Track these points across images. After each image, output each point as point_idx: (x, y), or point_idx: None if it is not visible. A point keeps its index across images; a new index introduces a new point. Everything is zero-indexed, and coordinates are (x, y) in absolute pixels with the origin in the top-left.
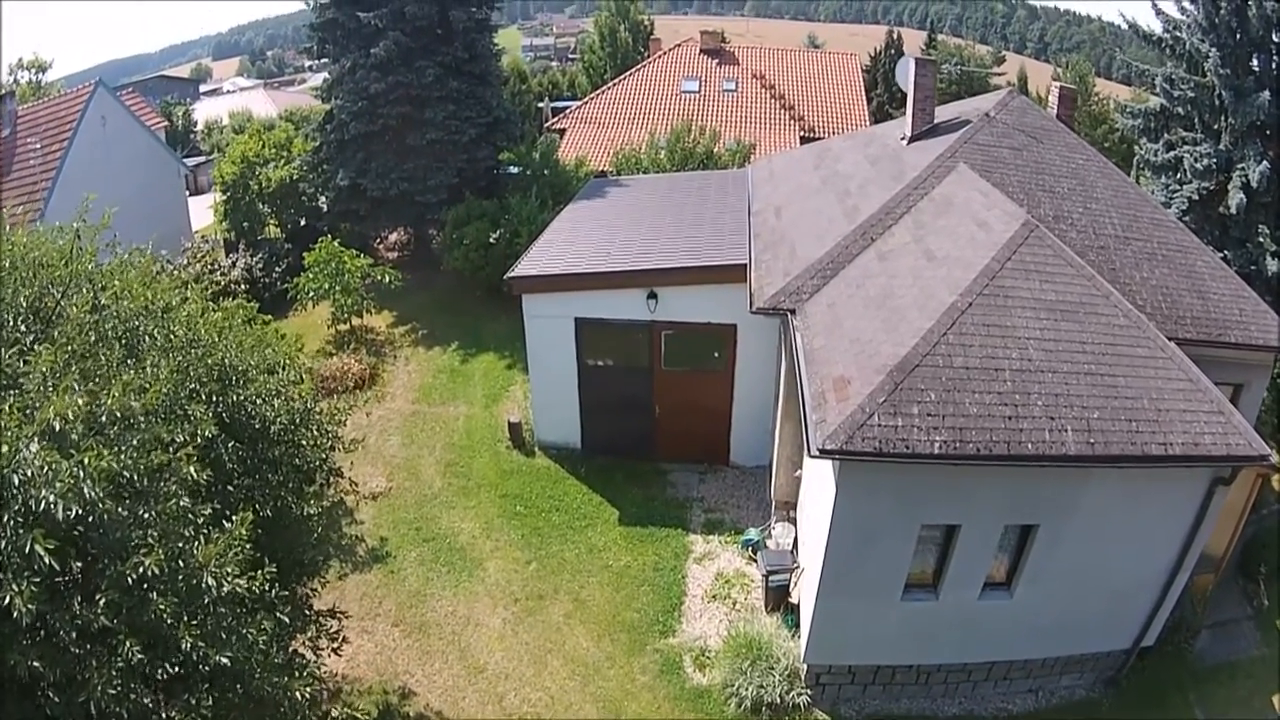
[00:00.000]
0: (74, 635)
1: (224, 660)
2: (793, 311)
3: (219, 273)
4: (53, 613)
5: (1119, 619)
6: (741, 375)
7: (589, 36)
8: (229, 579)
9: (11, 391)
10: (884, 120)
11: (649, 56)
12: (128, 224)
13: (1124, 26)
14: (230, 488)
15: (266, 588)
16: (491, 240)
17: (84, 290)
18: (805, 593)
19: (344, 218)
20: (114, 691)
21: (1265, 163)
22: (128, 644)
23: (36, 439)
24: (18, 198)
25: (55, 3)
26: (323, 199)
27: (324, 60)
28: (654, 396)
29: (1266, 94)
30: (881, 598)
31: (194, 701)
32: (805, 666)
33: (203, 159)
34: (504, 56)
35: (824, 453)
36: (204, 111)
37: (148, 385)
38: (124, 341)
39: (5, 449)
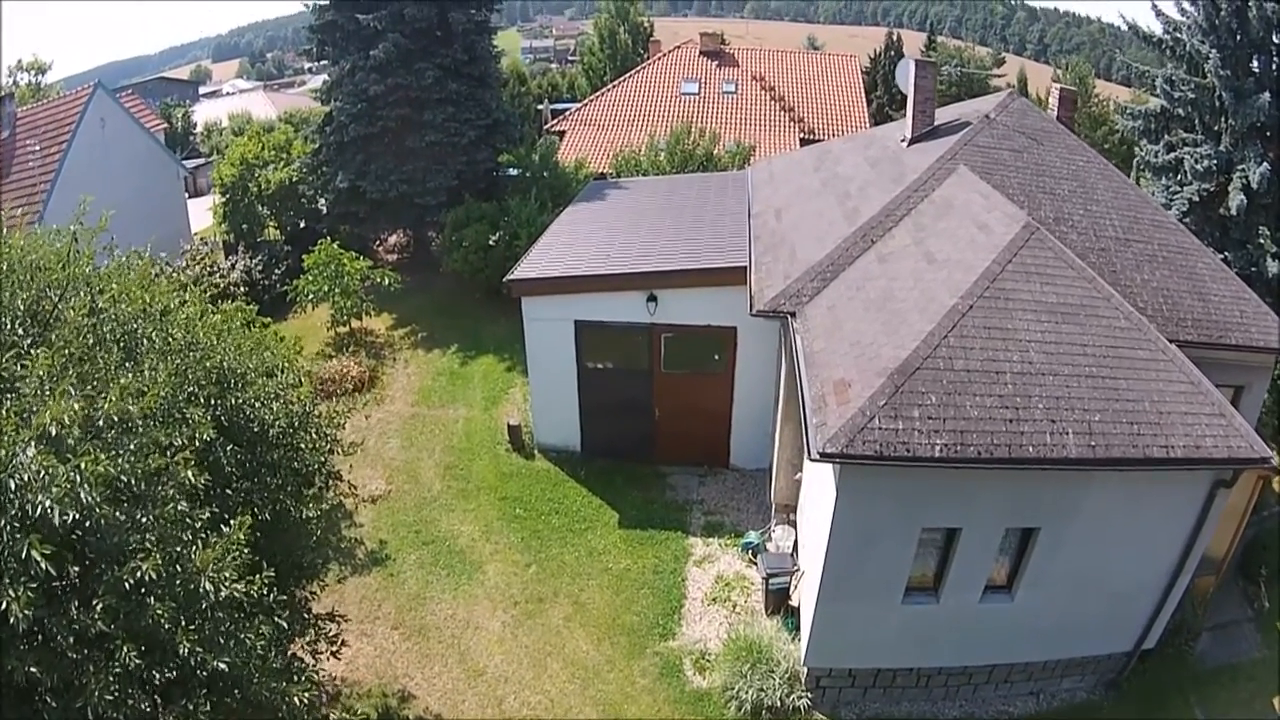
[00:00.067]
0: (71, 640)
1: (222, 665)
2: (793, 314)
3: (218, 275)
4: (50, 617)
5: (1120, 622)
6: (741, 378)
7: (588, 38)
8: (227, 584)
9: (8, 395)
10: (884, 122)
11: (649, 58)
12: (126, 226)
13: (1124, 28)
14: (229, 491)
15: (265, 592)
16: (491, 242)
17: (81, 293)
18: (805, 596)
19: (343, 220)
20: (111, 697)
21: (1265, 164)
22: (125, 649)
23: (33, 443)
24: (17, 200)
25: (55, 3)
26: (322, 201)
27: (323, 62)
28: (654, 399)
29: (1267, 95)
30: (882, 601)
31: (192, 707)
32: (805, 669)
33: (202, 161)
34: (503, 58)
35: (824, 456)
36: (203, 113)
37: (146, 388)
38: (122, 344)
39: (2, 453)
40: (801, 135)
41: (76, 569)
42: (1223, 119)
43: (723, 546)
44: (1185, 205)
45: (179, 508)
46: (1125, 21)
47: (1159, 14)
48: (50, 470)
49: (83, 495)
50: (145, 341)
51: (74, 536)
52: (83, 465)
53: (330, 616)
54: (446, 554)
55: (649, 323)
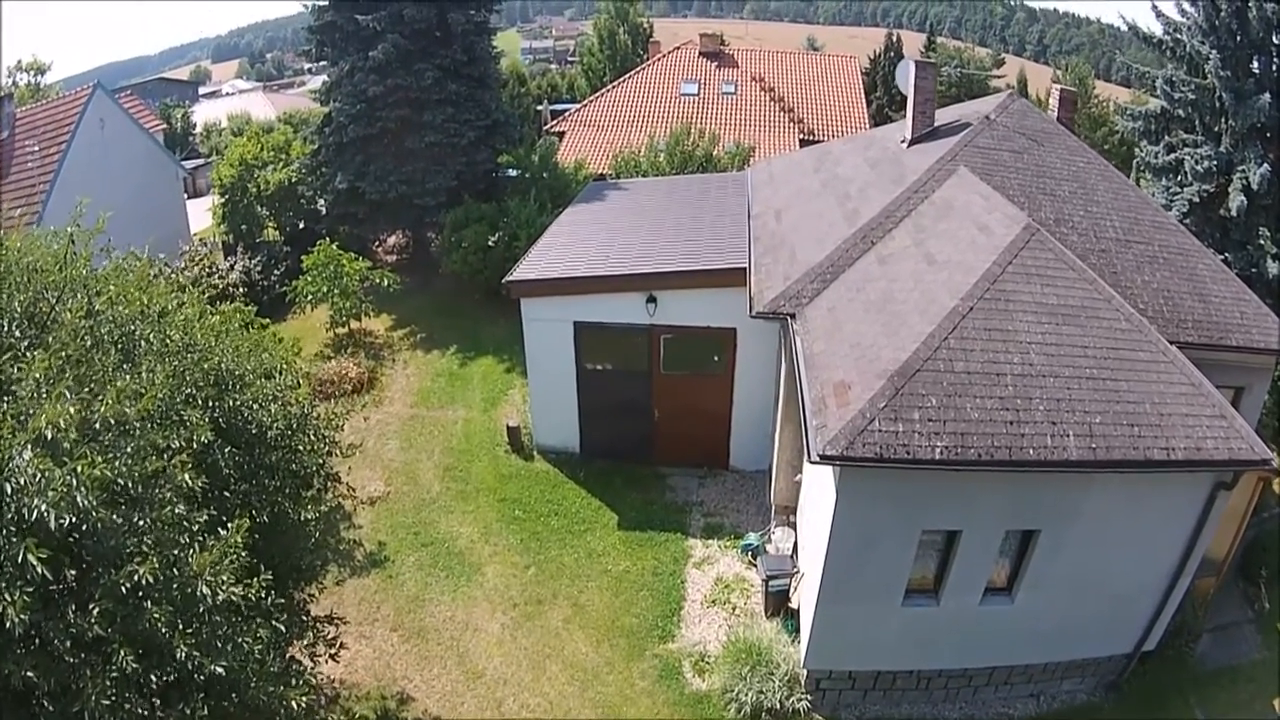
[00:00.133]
0: (68, 644)
1: (219, 669)
2: (793, 315)
3: (217, 276)
4: (47, 621)
5: (1120, 624)
6: (741, 379)
7: (588, 39)
8: (224, 587)
9: (5, 398)
10: (883, 123)
11: (648, 59)
12: (125, 227)
13: (1124, 28)
14: (226, 493)
15: (263, 595)
16: (490, 243)
17: (78, 295)
18: (805, 598)
19: (342, 220)
20: (109, 701)
21: (1266, 165)
22: (122, 653)
23: (29, 446)
24: (15, 200)
25: (55, 4)
26: (321, 202)
27: (322, 63)
28: (653, 400)
29: (1267, 96)
30: (882, 603)
31: (189, 711)
32: (805, 672)
33: (201, 161)
34: (503, 59)
35: (824, 459)
36: (203, 114)
37: (143, 390)
38: (120, 346)
39: None
40: (801, 136)
41: (73, 572)
42: (1223, 120)
43: (722, 548)
44: (1185, 206)
45: (176, 510)
46: (1125, 22)
47: (1159, 15)
48: (46, 474)
49: (79, 499)
50: (143, 343)
51: (71, 540)
52: (79, 469)
53: (329, 619)
54: (445, 556)
55: (648, 324)
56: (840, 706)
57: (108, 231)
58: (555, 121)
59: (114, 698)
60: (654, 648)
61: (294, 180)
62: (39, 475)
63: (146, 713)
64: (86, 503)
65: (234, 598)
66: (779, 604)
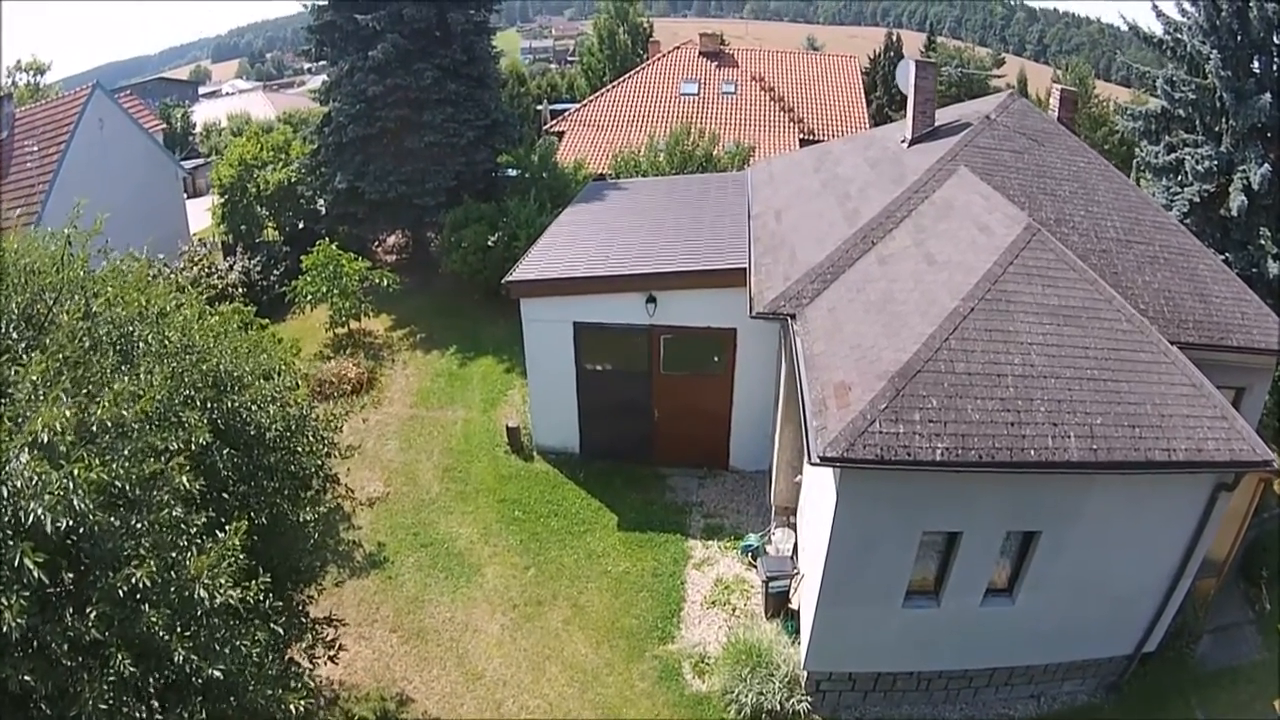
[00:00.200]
0: (66, 648)
1: (217, 673)
2: (793, 316)
3: (216, 276)
4: (44, 624)
5: (1121, 625)
6: (741, 379)
7: (588, 39)
8: (222, 590)
9: (1, 401)
10: (883, 123)
11: (648, 59)
12: (125, 227)
13: (1124, 28)
14: (225, 495)
15: (261, 598)
16: (490, 243)
17: (76, 297)
18: (805, 599)
19: (342, 220)
20: (106, 705)
21: (1266, 165)
22: (120, 656)
23: (26, 449)
24: (14, 201)
25: (55, 4)
26: (321, 202)
27: (322, 63)
28: (653, 401)
29: (1268, 96)
30: (882, 605)
31: (187, 714)
32: (805, 673)
33: (201, 161)
34: (502, 59)
35: (825, 460)
36: (203, 114)
37: (141, 392)
38: (118, 348)
39: None
40: (801, 136)
41: (71, 575)
42: (1223, 120)
43: (722, 549)
44: (1186, 206)
45: (174, 513)
46: (1126, 22)
47: (1159, 15)
48: (43, 477)
49: (76, 502)
50: (141, 344)
51: (68, 542)
52: (76, 472)
53: (328, 620)
54: (445, 556)
55: (648, 324)
56: (840, 708)
57: (107, 232)
58: (555, 121)
59: (112, 701)
60: (654, 649)
61: (293, 180)
62: (35, 479)
63: (144, 716)
64: (83, 506)
65: (232, 601)
66: (779, 605)
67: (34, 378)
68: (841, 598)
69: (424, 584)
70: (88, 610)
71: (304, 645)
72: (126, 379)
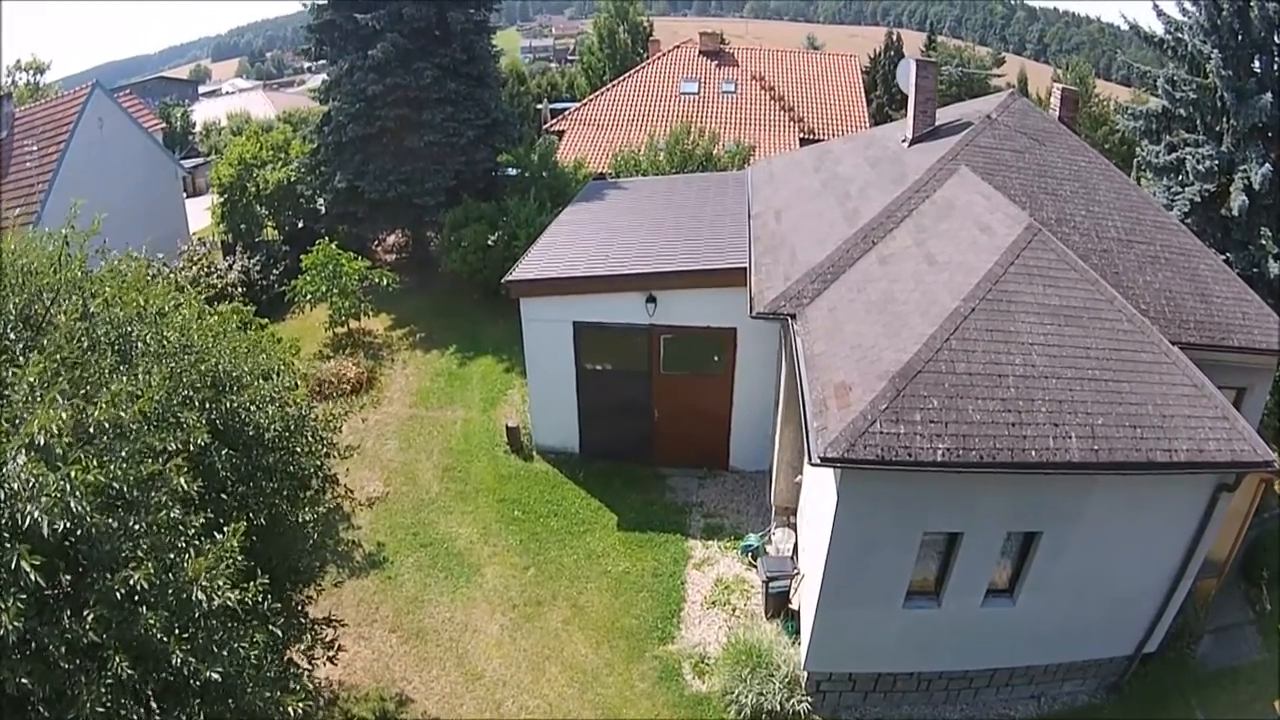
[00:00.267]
0: (63, 650)
1: (214, 675)
2: (793, 316)
3: (216, 275)
4: (41, 627)
5: (1122, 625)
6: (741, 379)
7: (588, 38)
8: (220, 593)
9: None
10: (884, 122)
11: (648, 58)
12: (125, 226)
13: (1124, 28)
14: (223, 496)
15: (259, 599)
16: (490, 242)
17: (74, 297)
18: (806, 600)
19: (342, 220)
20: (104, 708)
21: (1267, 165)
22: (117, 659)
23: (22, 451)
24: (14, 200)
25: (55, 3)
26: (320, 201)
27: (322, 62)
28: (653, 400)
29: (1269, 96)
30: (883, 606)
31: (184, 717)
32: (806, 674)
33: (201, 160)
34: (502, 58)
35: (825, 461)
36: (203, 113)
37: (139, 393)
38: (116, 348)
39: None
40: (801, 135)
41: (68, 577)
42: (1224, 119)
43: (722, 549)
44: (1187, 206)
45: (172, 514)
46: (1126, 21)
47: (1160, 14)
48: (40, 479)
49: (73, 504)
50: (139, 345)
51: (66, 544)
52: (73, 474)
53: (327, 621)
54: (445, 556)
55: (648, 324)
56: (840, 708)
57: (107, 231)
58: (555, 120)
59: (109, 704)
60: (654, 649)
61: (293, 179)
62: (32, 481)
63: (142, 718)
64: (81, 508)
65: (230, 602)
66: (779, 605)
67: (31, 379)
68: (842, 598)
69: (423, 584)
70: (85, 612)
71: (303, 646)
72: (124, 379)
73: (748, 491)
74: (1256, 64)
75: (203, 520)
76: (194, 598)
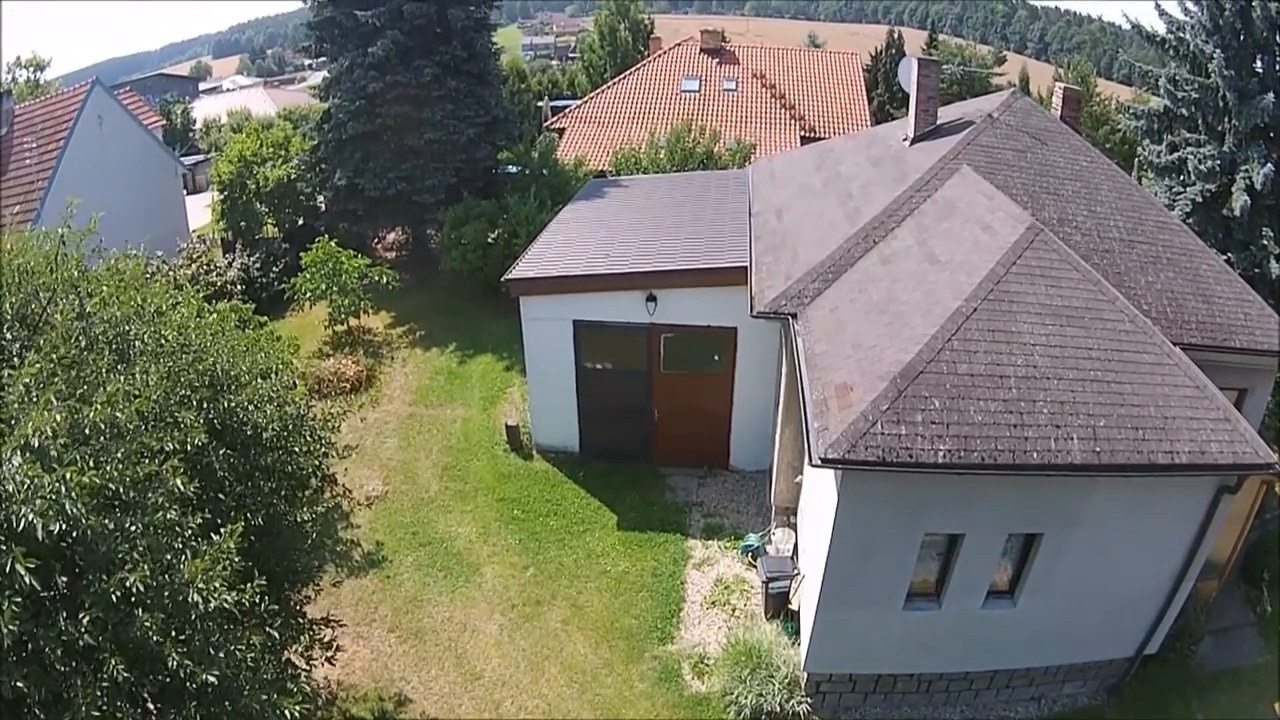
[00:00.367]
0: (59, 653)
1: (211, 678)
2: (794, 315)
3: (215, 273)
4: (37, 629)
5: (1122, 627)
6: (741, 379)
7: (589, 35)
8: (216, 594)
9: None
10: (885, 120)
11: (649, 55)
12: (124, 224)
13: (1126, 27)
14: (221, 496)
15: (256, 601)
16: (490, 240)
17: (70, 297)
18: (806, 601)
19: (342, 217)
20: (100, 710)
21: (1269, 165)
22: (113, 661)
23: (17, 453)
24: (13, 198)
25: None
26: (320, 198)
27: (322, 59)
28: (653, 400)
29: (1271, 96)
30: (883, 607)
31: (181, 719)
32: (805, 675)
33: (201, 157)
34: (503, 55)
35: (826, 462)
36: (203, 110)
37: (136, 392)
38: (114, 347)
39: None
40: (802, 133)
41: (64, 579)
42: (1226, 119)
43: (722, 549)
44: (1188, 206)
45: (169, 515)
46: (1128, 21)
47: (1162, 13)
48: (35, 481)
49: (68, 506)
50: (137, 344)
51: (62, 546)
52: (68, 475)
53: (325, 621)
54: (444, 556)
55: (648, 323)
56: (840, 709)
57: (106, 229)
58: (555, 118)
59: (105, 707)
60: (653, 649)
61: (293, 177)
62: (27, 483)
63: None
64: (76, 510)
65: (227, 604)
66: (779, 605)
67: (26, 380)
68: (842, 599)
69: (422, 583)
70: (81, 615)
71: (301, 647)
72: (121, 379)
73: (748, 491)
74: (1258, 64)
75: (200, 521)
76: (190, 599)
